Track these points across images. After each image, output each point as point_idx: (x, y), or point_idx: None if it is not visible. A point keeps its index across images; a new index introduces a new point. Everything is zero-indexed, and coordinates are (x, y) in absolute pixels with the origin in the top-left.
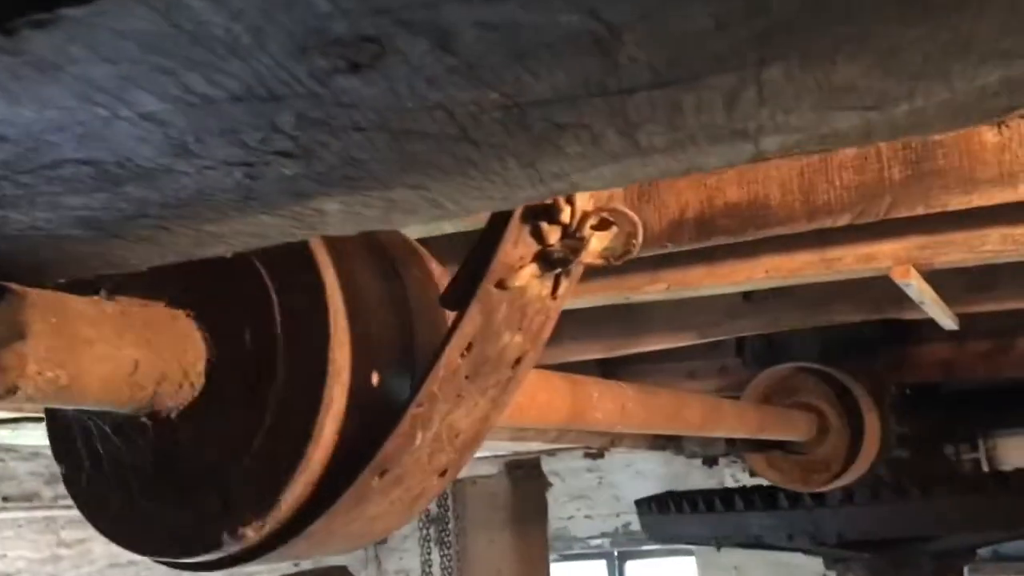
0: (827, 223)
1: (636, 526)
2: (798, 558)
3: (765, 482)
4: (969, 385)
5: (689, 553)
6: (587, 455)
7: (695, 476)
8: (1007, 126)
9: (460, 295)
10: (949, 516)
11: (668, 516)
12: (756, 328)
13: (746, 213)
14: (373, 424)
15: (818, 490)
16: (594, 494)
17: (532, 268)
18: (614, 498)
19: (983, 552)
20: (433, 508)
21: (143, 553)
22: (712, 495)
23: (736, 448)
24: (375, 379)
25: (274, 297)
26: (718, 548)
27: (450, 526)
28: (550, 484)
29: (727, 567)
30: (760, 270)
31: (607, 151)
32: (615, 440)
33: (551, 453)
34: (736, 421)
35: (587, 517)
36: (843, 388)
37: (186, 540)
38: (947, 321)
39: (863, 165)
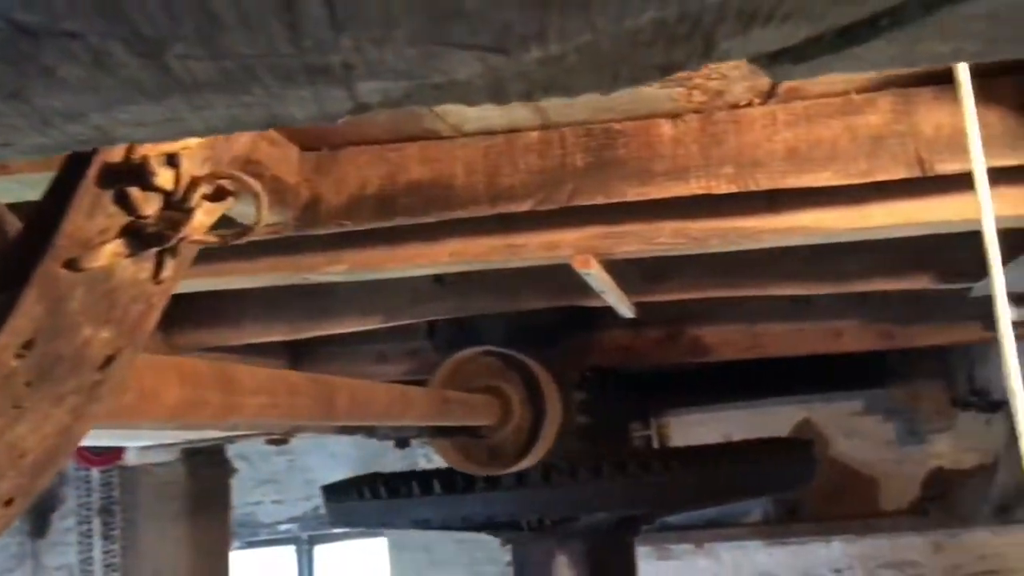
0: (511, 208)
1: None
2: (486, 536)
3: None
4: (644, 370)
5: (380, 535)
6: (270, 442)
7: (390, 457)
8: (683, 119)
9: (10, 279)
10: (616, 495)
11: (352, 503)
12: (445, 312)
13: (429, 193)
14: None
15: (501, 472)
16: (284, 478)
17: (117, 245)
18: (306, 481)
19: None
20: (97, 499)
21: None
22: (394, 480)
23: (425, 432)
24: None
25: None
26: (401, 529)
27: (116, 518)
28: (235, 470)
29: (417, 547)
30: (444, 253)
31: (129, 80)
32: (299, 428)
33: (231, 441)
34: (418, 410)
35: (276, 502)
36: (528, 373)
37: None
38: (625, 310)
39: (546, 150)
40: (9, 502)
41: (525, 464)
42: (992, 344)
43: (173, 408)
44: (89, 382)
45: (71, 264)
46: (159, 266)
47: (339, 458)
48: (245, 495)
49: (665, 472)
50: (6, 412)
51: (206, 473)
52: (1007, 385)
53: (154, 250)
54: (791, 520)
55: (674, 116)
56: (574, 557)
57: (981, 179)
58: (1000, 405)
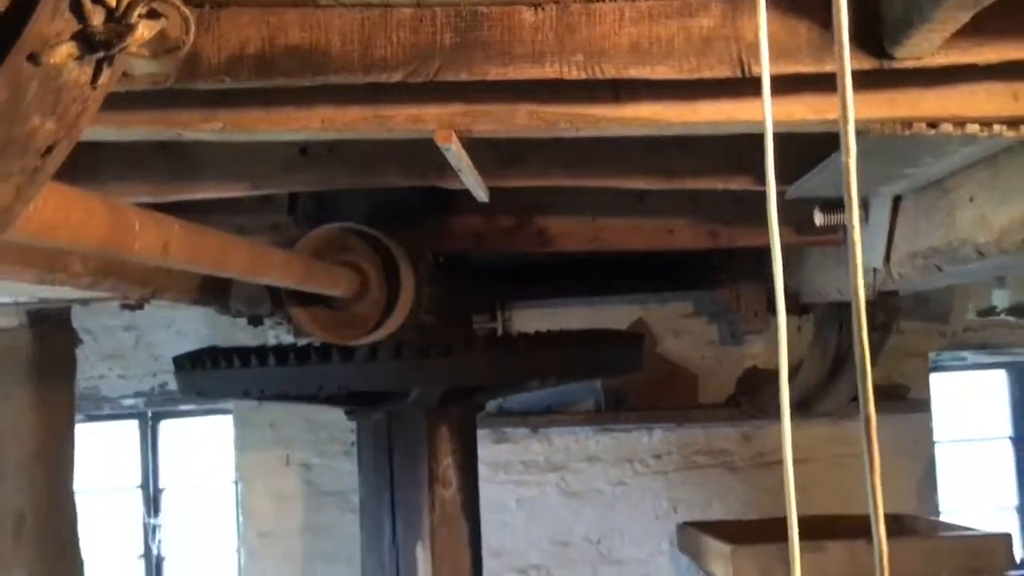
0: (382, 77)
1: (173, 385)
2: (328, 415)
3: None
4: (492, 259)
5: (226, 412)
6: (124, 306)
7: (239, 337)
8: (542, 8)
9: None
10: (462, 372)
11: (204, 372)
12: (310, 184)
13: (306, 57)
14: None
15: (353, 343)
16: (129, 353)
17: (70, 47)
18: (152, 357)
19: (491, 407)
20: None
21: None
22: (248, 351)
23: (281, 306)
24: None
25: None
26: (256, 400)
27: None
28: (80, 340)
29: (263, 424)
30: (316, 120)
31: None
32: (156, 292)
33: (84, 303)
34: (283, 269)
35: (120, 377)
36: (386, 251)
37: None
38: (480, 192)
39: (418, 26)
40: None
41: (378, 336)
42: (804, 250)
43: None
44: (32, 166)
45: (32, 58)
46: (97, 72)
47: (187, 336)
48: (89, 369)
49: (510, 349)
50: None
51: (52, 340)
52: (776, 298)
53: (96, 56)
54: (618, 410)
55: (535, 5)
56: (416, 433)
57: (766, 84)
58: (808, 308)
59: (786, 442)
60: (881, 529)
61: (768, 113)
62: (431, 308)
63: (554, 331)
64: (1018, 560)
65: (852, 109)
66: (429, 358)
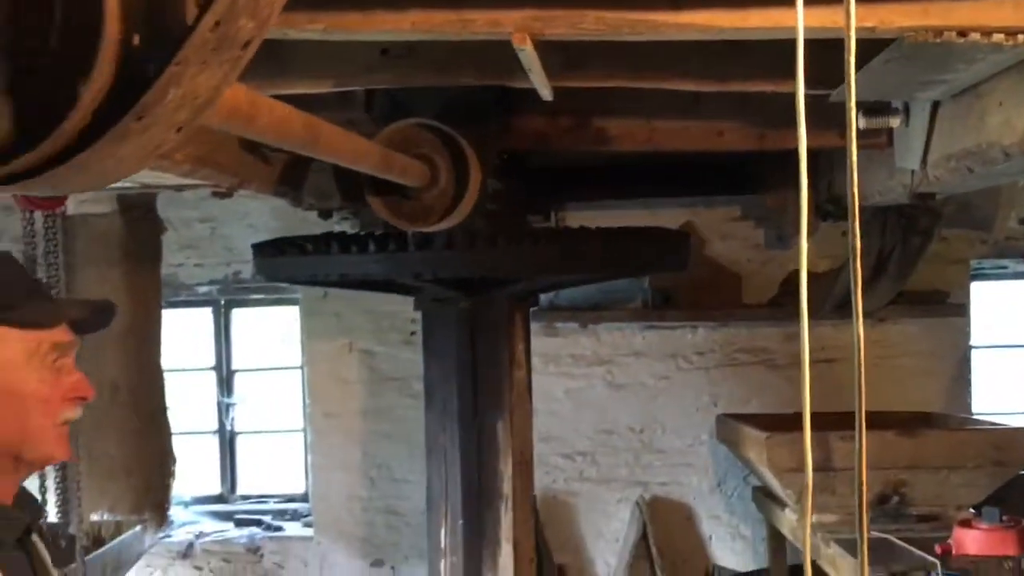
0: None
1: (245, 274)
2: (389, 307)
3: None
4: (548, 162)
5: (293, 303)
6: (215, 194)
7: (307, 231)
8: None
9: None
10: (527, 263)
11: (285, 258)
12: (389, 82)
13: None
14: (134, 78)
15: (423, 230)
16: (205, 244)
17: None
18: (226, 248)
19: (542, 302)
20: (41, 245)
21: None
22: (329, 238)
23: (350, 199)
24: (136, 40)
25: None
26: (332, 287)
27: (59, 260)
28: (165, 228)
29: (328, 314)
30: (407, 22)
31: None
32: (243, 182)
33: (179, 189)
34: (369, 159)
35: (196, 265)
36: (455, 145)
37: None
38: (545, 92)
39: None
40: (179, 128)
41: (447, 224)
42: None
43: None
44: (235, 56)
45: None
46: None
47: (259, 228)
48: (168, 257)
49: (567, 240)
50: (197, 65)
51: (140, 226)
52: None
53: None
54: (665, 308)
55: None
56: (500, 318)
57: None
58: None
59: (804, 342)
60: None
61: (800, 19)
62: (494, 202)
63: (610, 227)
64: None
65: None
66: (497, 248)
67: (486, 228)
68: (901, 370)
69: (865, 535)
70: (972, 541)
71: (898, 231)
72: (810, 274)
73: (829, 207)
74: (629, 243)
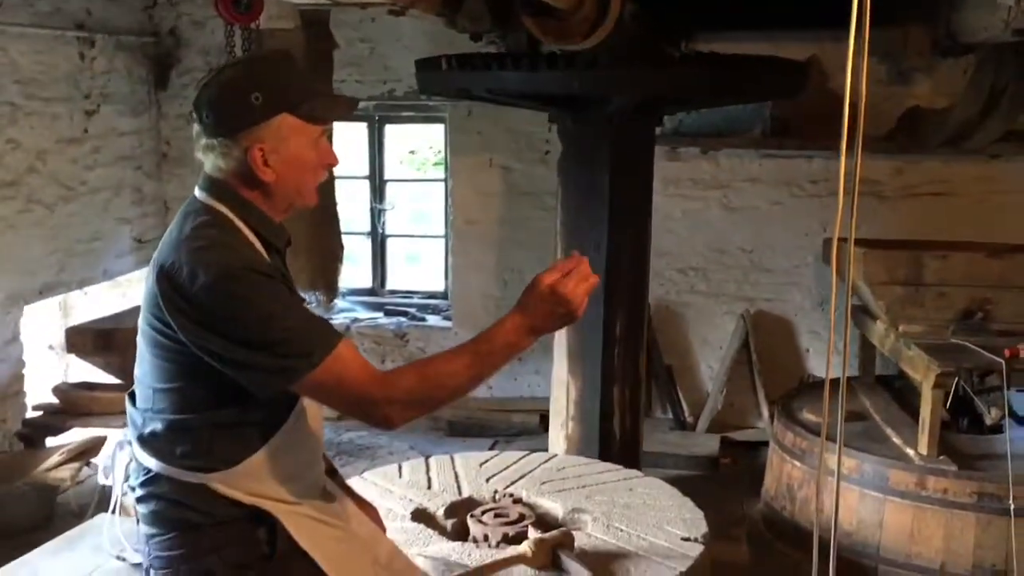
0: None
1: (399, 91)
2: (529, 127)
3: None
4: None
5: (440, 121)
6: (391, 12)
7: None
8: None
9: None
10: (665, 83)
11: (441, 73)
12: None
13: None
14: None
15: (570, 47)
16: (365, 62)
17: None
18: (383, 67)
19: (666, 128)
20: (239, 54)
21: None
22: (489, 57)
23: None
24: None
25: None
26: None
27: None
28: (337, 44)
29: (472, 131)
30: None
31: None
32: (414, 2)
33: (363, 7)
34: None
35: (357, 81)
36: None
37: None
38: None
39: None
40: None
41: (591, 42)
42: None
43: None
44: None
45: None
46: None
47: (413, 50)
48: (334, 73)
49: (698, 64)
50: None
51: (318, 41)
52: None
53: None
54: (783, 136)
55: None
56: (609, 137)
57: None
58: (971, 48)
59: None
60: None
61: None
62: (632, 25)
63: (734, 54)
64: None
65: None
66: (634, 67)
67: (631, 51)
68: (1012, 205)
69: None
70: None
71: (1012, 69)
72: (927, 111)
73: (948, 43)
74: (749, 69)
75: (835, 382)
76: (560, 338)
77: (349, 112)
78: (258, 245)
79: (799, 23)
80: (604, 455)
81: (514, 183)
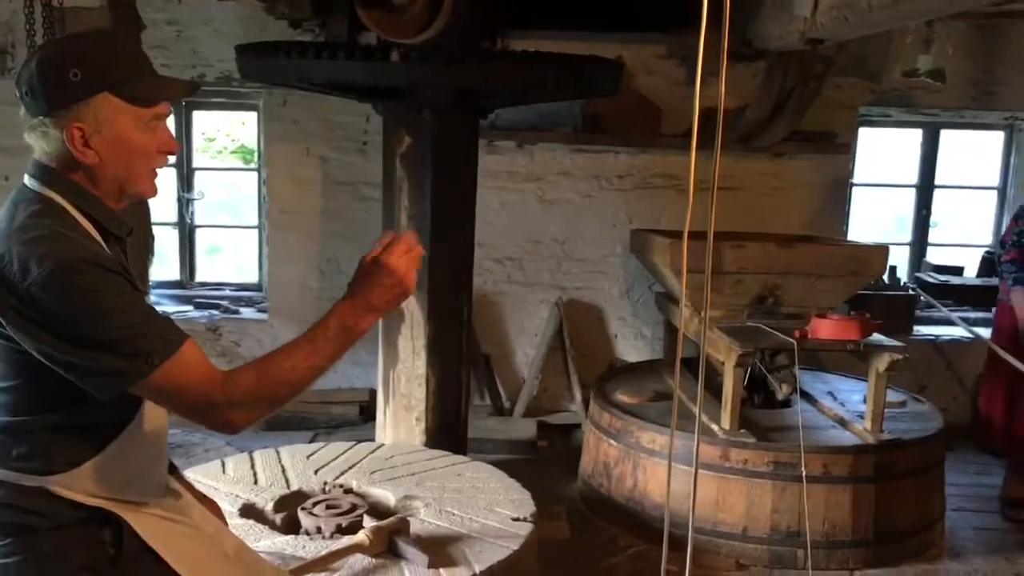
0: None
1: (210, 77)
2: (347, 116)
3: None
4: None
5: (253, 109)
6: None
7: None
8: None
9: None
10: (480, 77)
11: (268, 60)
12: None
13: None
14: None
15: (403, 41)
16: (172, 45)
17: None
18: (191, 51)
19: (483, 123)
20: (39, 32)
21: None
22: (319, 47)
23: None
24: None
25: None
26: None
27: None
28: (144, 26)
29: (287, 120)
30: None
31: None
32: None
33: None
34: None
35: (163, 66)
36: None
37: None
38: None
39: None
40: None
41: (424, 37)
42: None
43: None
44: None
45: None
46: None
47: (224, 35)
48: None
49: (517, 60)
50: None
51: (125, 21)
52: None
53: None
54: (594, 133)
55: None
56: (459, 129)
57: None
58: (762, 54)
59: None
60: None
61: None
62: (460, 23)
63: (551, 52)
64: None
65: None
66: (476, 65)
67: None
68: (792, 199)
69: None
70: (824, 328)
71: (797, 75)
72: (724, 111)
73: (743, 49)
74: (585, 68)
75: (643, 364)
76: (419, 331)
77: (182, 95)
78: (96, 235)
79: (608, 25)
80: (455, 444)
81: (331, 173)
